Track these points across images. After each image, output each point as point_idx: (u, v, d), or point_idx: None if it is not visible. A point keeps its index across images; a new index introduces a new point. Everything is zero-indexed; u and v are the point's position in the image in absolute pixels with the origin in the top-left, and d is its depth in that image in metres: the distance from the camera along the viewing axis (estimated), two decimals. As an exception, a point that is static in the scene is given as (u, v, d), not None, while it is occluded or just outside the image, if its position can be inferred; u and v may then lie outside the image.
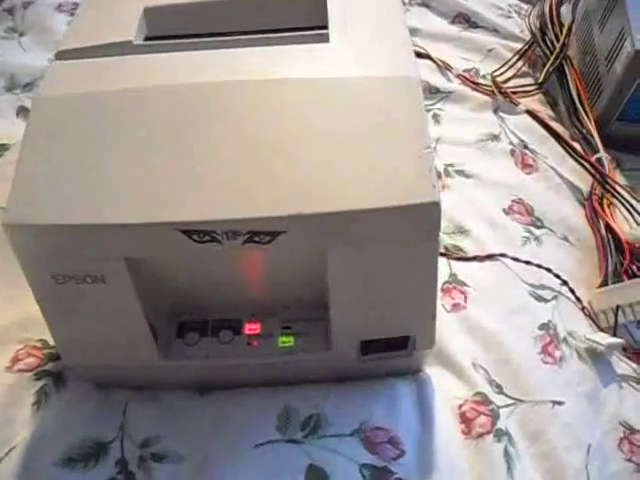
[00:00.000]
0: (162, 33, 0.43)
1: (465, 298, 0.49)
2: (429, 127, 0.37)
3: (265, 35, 0.42)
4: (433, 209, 0.34)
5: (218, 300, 0.42)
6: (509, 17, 0.80)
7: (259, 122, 0.36)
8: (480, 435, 0.41)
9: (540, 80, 0.67)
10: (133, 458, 0.40)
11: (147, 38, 0.43)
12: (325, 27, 0.42)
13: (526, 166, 0.61)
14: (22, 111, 0.65)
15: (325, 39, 0.41)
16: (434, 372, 0.45)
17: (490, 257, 0.52)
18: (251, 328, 0.42)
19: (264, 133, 0.36)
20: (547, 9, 0.71)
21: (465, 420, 0.42)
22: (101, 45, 0.41)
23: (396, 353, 0.42)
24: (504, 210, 0.57)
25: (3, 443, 0.40)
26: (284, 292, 0.41)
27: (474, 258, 0.52)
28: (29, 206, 0.35)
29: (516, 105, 0.64)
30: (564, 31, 0.68)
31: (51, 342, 0.46)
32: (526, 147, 0.63)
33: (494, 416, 0.42)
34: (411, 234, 0.35)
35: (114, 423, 0.42)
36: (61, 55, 0.41)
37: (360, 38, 0.41)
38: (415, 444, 0.40)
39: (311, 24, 0.43)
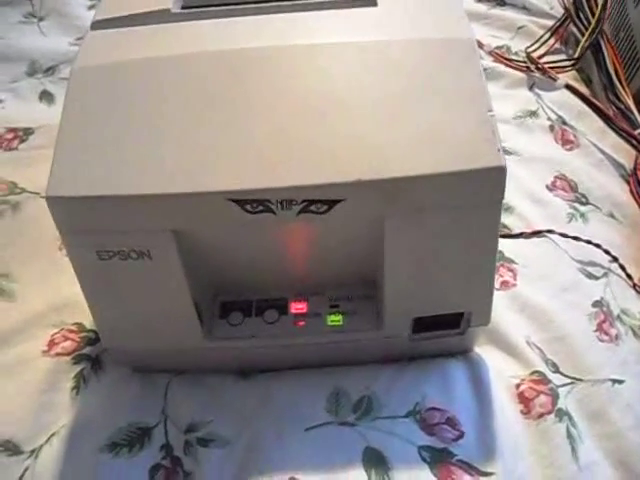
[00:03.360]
0: (199, 2, 0.42)
1: (514, 275, 0.47)
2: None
3: (308, 0, 0.40)
4: (499, 174, 0.32)
5: (263, 278, 0.40)
6: (537, -6, 0.78)
7: (311, 87, 0.35)
8: (541, 415, 0.39)
9: (576, 55, 0.65)
10: (178, 443, 0.39)
11: (184, 7, 0.42)
12: (370, -8, 0.40)
13: (567, 142, 0.59)
14: (45, 96, 0.64)
15: (372, 2, 0.39)
16: (486, 351, 0.43)
17: (537, 233, 0.50)
18: (297, 307, 0.40)
19: (317, 98, 0.34)
20: (581, -17, 0.68)
21: (524, 400, 0.40)
22: (138, 14, 0.40)
23: (449, 331, 0.40)
24: (547, 186, 0.55)
25: (43, 429, 0.39)
26: (333, 268, 0.39)
27: (520, 235, 0.50)
28: (72, 178, 0.33)
29: (555, 80, 0.62)
30: (599, 5, 0.66)
31: (87, 325, 0.45)
32: (565, 123, 0.61)
33: (554, 396, 0.40)
34: (474, 201, 0.33)
35: (156, 407, 0.40)
36: (96, 25, 0.40)
37: (408, 1, 0.39)
38: (474, 425, 0.38)
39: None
